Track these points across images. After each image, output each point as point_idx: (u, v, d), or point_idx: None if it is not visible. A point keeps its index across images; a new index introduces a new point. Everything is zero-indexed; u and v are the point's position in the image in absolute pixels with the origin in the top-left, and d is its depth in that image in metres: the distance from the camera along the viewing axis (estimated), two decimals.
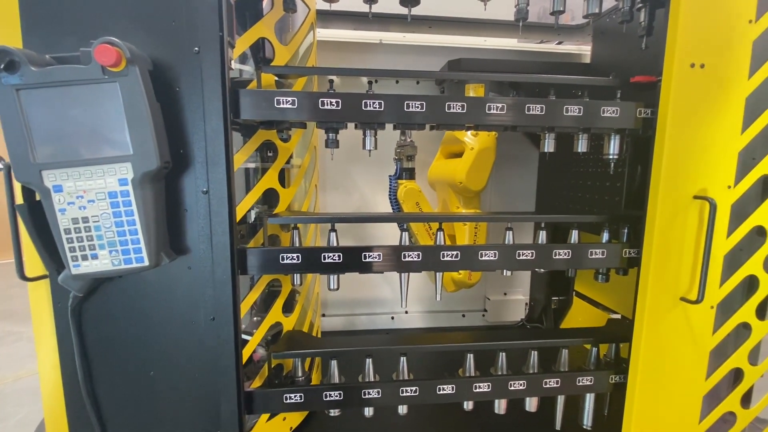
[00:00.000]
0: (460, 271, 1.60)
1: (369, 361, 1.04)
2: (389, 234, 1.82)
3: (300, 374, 1.05)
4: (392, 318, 1.95)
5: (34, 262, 0.84)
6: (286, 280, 1.09)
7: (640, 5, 1.04)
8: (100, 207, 0.74)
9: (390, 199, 1.59)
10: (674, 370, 0.99)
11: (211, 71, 0.77)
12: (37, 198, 0.77)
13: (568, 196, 1.69)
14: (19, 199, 0.80)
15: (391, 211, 1.62)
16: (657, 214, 0.92)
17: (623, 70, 1.36)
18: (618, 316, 1.52)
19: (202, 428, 0.91)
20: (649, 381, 0.99)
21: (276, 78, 1.06)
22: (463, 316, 2.01)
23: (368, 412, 1.06)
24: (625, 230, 1.11)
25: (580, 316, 1.78)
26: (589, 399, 1.13)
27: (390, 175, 1.60)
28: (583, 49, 1.85)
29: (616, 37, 1.39)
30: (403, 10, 1.14)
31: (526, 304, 2.02)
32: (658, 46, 1.03)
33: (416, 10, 1.15)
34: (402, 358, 1.05)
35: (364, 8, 1.20)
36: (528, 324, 1.99)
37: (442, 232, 1.02)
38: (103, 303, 0.84)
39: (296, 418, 1.19)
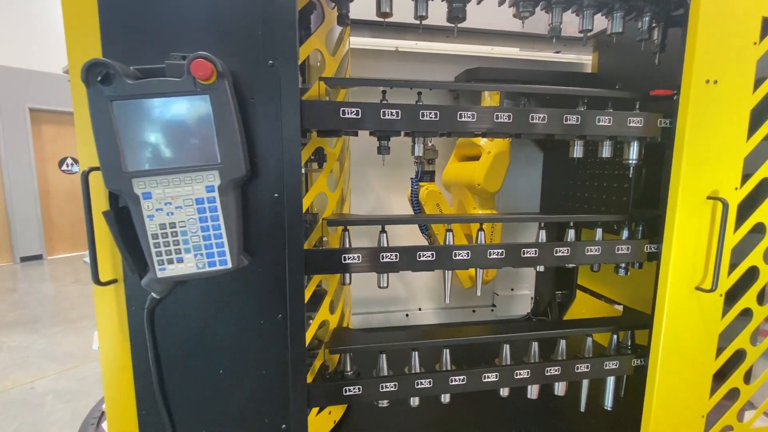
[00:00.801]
0: None
1: (415, 354, 1.11)
2: (403, 234, 1.89)
3: (349, 369, 1.11)
4: (407, 315, 2.02)
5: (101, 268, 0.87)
6: (333, 280, 1.14)
7: (654, 25, 1.15)
8: (187, 213, 0.77)
9: (412, 200, 1.66)
10: (689, 352, 1.11)
11: (289, 83, 0.81)
12: (120, 205, 0.81)
13: (572, 196, 1.82)
14: (96, 206, 0.82)
15: (412, 212, 1.69)
16: (676, 213, 1.04)
17: (631, 81, 1.49)
18: (620, 307, 1.66)
19: (268, 423, 0.95)
20: (668, 363, 1.10)
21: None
22: (474, 311, 2.11)
23: (413, 401, 1.12)
24: (640, 228, 1.22)
25: (583, 308, 1.91)
26: (610, 382, 1.24)
27: (412, 178, 1.67)
28: (582, 59, 1.97)
29: (621, 51, 1.52)
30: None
31: (532, 298, 2.14)
32: (669, 61, 1.16)
33: (433, 21, 1.21)
34: (445, 350, 1.12)
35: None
36: (534, 317, 2.10)
37: (483, 232, 1.10)
38: (175, 305, 0.87)
39: (338, 411, 1.24)
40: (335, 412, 1.21)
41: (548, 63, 1.99)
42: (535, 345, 1.18)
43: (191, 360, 0.90)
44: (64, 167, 6.96)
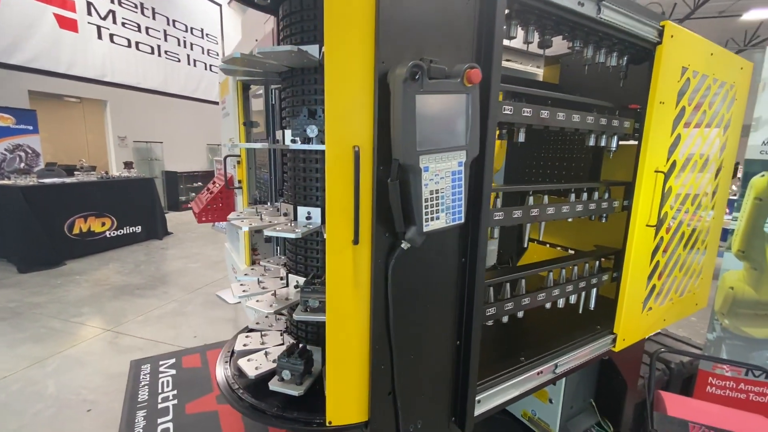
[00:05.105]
0: None
1: (507, 285, 1.55)
2: None
3: None
4: None
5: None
6: None
7: (625, 63, 1.80)
8: (445, 182, 1.03)
9: None
10: (639, 263, 1.85)
11: (495, 95, 1.13)
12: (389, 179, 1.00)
13: (531, 172, 2.49)
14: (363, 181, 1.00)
15: None
16: (643, 180, 1.73)
17: (588, 92, 2.18)
18: (572, 252, 2.40)
19: (449, 336, 1.27)
20: (632, 272, 1.82)
21: None
22: None
23: (505, 318, 1.57)
24: (606, 193, 1.91)
25: (534, 255, 2.65)
26: (593, 293, 1.92)
27: None
28: (530, 69, 2.63)
29: (581, 70, 2.20)
30: None
31: (498, 251, 2.79)
32: (630, 84, 1.84)
33: None
34: (521, 280, 1.60)
35: None
36: (499, 266, 2.76)
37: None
38: (404, 257, 1.11)
39: None
40: None
41: (523, 72, 2.55)
42: (550, 274, 1.75)
43: (411, 297, 1.15)
44: None
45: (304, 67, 1.26)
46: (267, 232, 1.19)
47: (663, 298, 2.08)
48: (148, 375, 3.18)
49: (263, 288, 1.39)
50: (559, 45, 1.73)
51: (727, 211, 3.11)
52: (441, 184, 1.03)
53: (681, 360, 2.69)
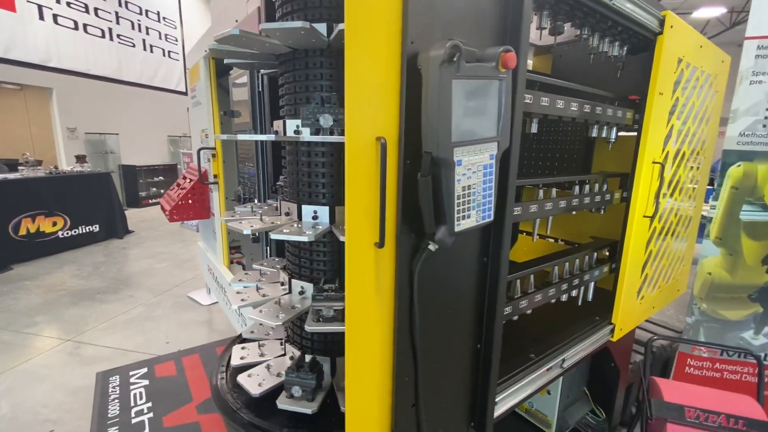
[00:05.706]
0: None
1: (518, 282, 1.51)
2: None
3: None
4: None
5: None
6: None
7: (624, 53, 1.78)
8: (477, 177, 0.94)
9: None
10: (637, 253, 1.87)
11: (521, 84, 1.05)
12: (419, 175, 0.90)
13: (523, 163, 2.47)
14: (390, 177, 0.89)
15: None
16: (642, 171, 1.73)
17: (582, 83, 2.17)
18: (561, 242, 2.41)
19: (470, 340, 1.20)
20: (630, 262, 1.83)
21: None
22: None
23: (515, 317, 1.53)
24: (604, 185, 1.91)
25: (525, 246, 2.65)
26: (591, 285, 1.92)
27: None
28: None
29: (577, 61, 2.18)
30: None
31: None
32: (627, 75, 1.83)
33: None
34: (531, 275, 1.56)
35: None
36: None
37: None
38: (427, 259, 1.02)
39: None
40: None
41: None
42: (555, 268, 1.72)
43: (433, 301, 1.07)
44: None
45: (309, 49, 1.13)
46: (273, 235, 1.06)
47: (653, 286, 2.13)
48: (118, 387, 2.93)
49: (263, 296, 1.25)
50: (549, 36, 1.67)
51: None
52: (473, 179, 0.94)
53: (661, 344, 2.81)
